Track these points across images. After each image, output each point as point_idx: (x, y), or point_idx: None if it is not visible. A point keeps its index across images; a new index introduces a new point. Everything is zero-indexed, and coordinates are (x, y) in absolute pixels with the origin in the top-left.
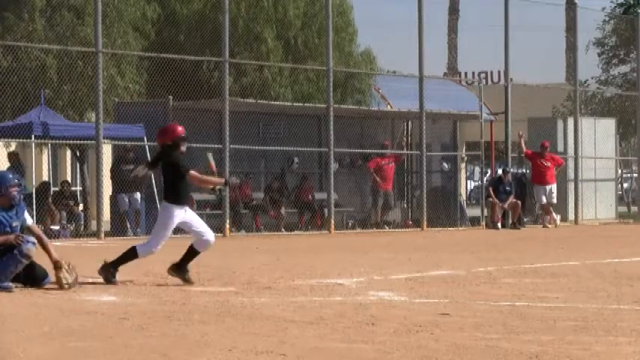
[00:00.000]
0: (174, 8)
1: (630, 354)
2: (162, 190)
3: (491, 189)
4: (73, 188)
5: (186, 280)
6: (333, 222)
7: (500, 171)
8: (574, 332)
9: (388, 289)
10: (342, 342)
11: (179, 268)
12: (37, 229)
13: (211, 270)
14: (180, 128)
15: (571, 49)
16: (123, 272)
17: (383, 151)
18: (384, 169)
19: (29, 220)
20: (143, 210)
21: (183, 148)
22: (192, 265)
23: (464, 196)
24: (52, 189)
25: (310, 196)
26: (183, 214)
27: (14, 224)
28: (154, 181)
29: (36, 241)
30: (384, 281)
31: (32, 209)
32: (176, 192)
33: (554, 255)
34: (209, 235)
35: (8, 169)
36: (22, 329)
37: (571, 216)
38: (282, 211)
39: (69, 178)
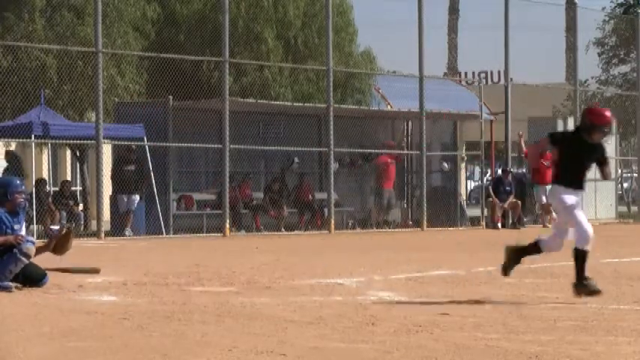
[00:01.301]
0: (174, 8)
1: (630, 354)
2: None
3: (491, 189)
4: (73, 188)
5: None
6: (333, 222)
7: (500, 171)
8: (574, 332)
9: (388, 289)
10: (342, 342)
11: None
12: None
13: (211, 270)
14: (606, 114)
15: (571, 49)
16: (122, 272)
17: (383, 150)
18: (389, 168)
19: (23, 231)
20: (143, 210)
21: (596, 137)
22: (192, 265)
23: (464, 196)
24: (52, 189)
25: (310, 196)
26: (576, 199)
27: (16, 227)
28: (153, 181)
29: (35, 240)
30: (384, 281)
31: (32, 209)
32: (568, 175)
33: (555, 255)
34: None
35: (6, 169)
36: (22, 329)
37: None
38: (285, 211)
39: (69, 178)
